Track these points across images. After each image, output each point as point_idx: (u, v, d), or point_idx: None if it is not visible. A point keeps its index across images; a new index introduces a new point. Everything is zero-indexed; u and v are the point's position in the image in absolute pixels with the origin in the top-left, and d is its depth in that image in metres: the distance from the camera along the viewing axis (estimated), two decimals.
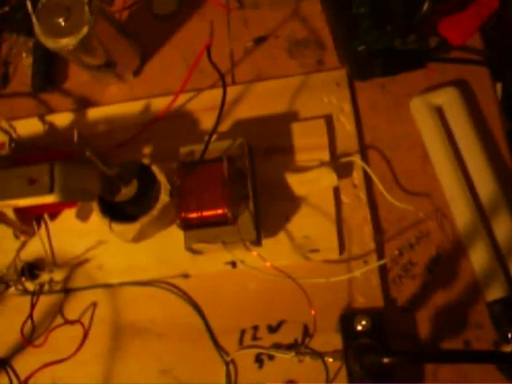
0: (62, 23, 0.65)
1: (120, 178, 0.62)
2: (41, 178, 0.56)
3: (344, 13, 0.65)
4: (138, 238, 0.64)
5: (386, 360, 0.45)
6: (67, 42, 0.64)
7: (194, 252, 0.62)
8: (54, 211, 0.69)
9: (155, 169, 0.63)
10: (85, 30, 0.64)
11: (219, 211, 0.59)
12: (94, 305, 0.68)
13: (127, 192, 0.62)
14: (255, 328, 0.64)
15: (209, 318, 0.65)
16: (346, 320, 0.61)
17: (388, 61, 0.66)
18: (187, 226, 0.61)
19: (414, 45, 0.66)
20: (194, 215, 0.60)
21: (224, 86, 0.60)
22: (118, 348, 0.66)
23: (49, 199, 0.56)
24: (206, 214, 0.60)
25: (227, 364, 0.63)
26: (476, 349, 0.59)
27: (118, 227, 0.63)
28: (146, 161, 0.64)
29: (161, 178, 0.63)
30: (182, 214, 0.60)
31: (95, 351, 0.66)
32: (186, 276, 0.66)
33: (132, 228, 0.62)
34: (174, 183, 0.61)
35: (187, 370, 0.64)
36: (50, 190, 0.56)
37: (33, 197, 0.56)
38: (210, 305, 0.65)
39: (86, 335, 0.66)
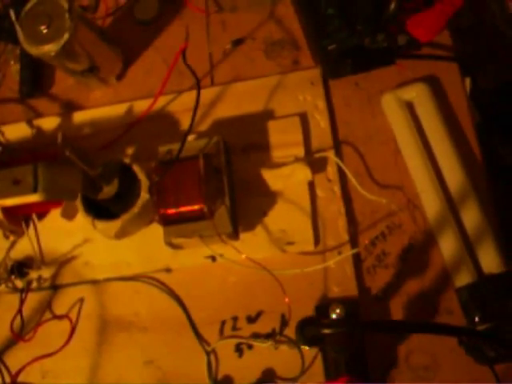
0: (44, 30, 0.68)
1: (102, 177, 0.65)
2: (25, 179, 0.59)
3: (313, 14, 0.67)
4: (121, 234, 0.67)
5: (326, 330, 0.47)
6: (49, 49, 0.67)
7: (174, 247, 0.64)
8: (41, 211, 0.72)
9: (136, 168, 0.66)
10: (66, 36, 0.67)
11: (196, 207, 0.62)
12: (81, 300, 0.70)
13: (109, 190, 0.65)
14: (235, 319, 0.66)
15: (191, 310, 0.67)
16: (321, 309, 0.64)
17: (358, 59, 0.68)
18: (166, 221, 0.63)
19: (384, 43, 0.68)
20: (172, 211, 0.62)
21: (198, 89, 0.63)
22: (104, 341, 0.68)
23: (33, 198, 0.58)
24: (183, 209, 0.62)
25: (208, 354, 0.65)
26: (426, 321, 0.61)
27: (101, 224, 0.65)
28: (127, 160, 0.67)
29: (141, 176, 0.66)
30: (161, 210, 0.63)
31: (82, 345, 0.69)
32: (168, 270, 0.69)
33: (114, 225, 0.65)
34: (152, 181, 0.64)
35: (170, 360, 0.66)
36: (34, 190, 0.58)
37: (18, 196, 0.59)
38: (191, 297, 0.68)
39: (73, 330, 0.69)
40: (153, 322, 0.68)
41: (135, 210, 0.65)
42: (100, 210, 0.67)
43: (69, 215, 0.71)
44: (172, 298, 0.68)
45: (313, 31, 0.68)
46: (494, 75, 0.90)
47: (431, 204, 0.65)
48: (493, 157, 0.95)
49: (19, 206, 0.60)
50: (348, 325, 0.49)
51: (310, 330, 0.47)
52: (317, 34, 0.67)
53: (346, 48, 0.67)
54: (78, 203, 0.66)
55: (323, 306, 0.64)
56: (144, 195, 0.65)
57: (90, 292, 0.70)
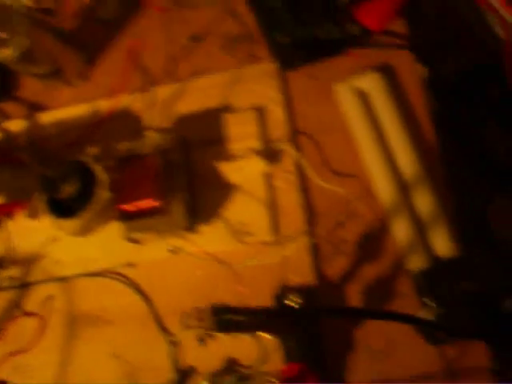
0: (3, 35, 0.69)
1: (62, 176, 0.66)
2: None
3: (264, 7, 0.68)
4: (83, 231, 0.68)
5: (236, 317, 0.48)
6: (8, 54, 0.69)
7: (134, 241, 0.66)
8: (7, 211, 0.73)
9: (95, 166, 0.68)
10: (24, 41, 0.68)
11: (152, 202, 0.63)
12: (51, 297, 0.72)
13: (69, 189, 0.66)
14: (198, 309, 0.67)
15: (155, 302, 0.69)
16: (280, 298, 0.65)
17: (310, 49, 0.69)
18: (124, 217, 0.65)
19: (335, 33, 0.69)
20: (129, 207, 0.64)
21: (148, 87, 0.64)
22: (74, 336, 0.70)
23: None
24: (140, 205, 0.64)
25: (172, 344, 0.67)
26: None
27: (63, 223, 0.67)
28: (87, 159, 0.69)
29: (100, 174, 0.67)
30: (119, 206, 0.64)
31: (53, 341, 0.71)
32: (132, 265, 0.70)
33: (76, 223, 0.67)
34: (111, 178, 0.65)
35: (136, 352, 0.68)
36: None
37: None
38: (155, 290, 0.70)
39: (43, 326, 0.71)
40: (119, 316, 0.70)
41: (96, 207, 0.66)
42: (63, 209, 0.68)
43: (34, 215, 0.72)
44: (136, 291, 0.69)
45: (264, 24, 0.69)
46: (457, 63, 0.90)
47: (385, 191, 0.66)
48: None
49: None
50: (259, 313, 0.50)
51: (222, 316, 0.48)
52: (268, 27, 0.69)
53: (298, 39, 0.68)
54: (41, 203, 0.67)
55: (282, 295, 0.65)
56: (104, 192, 0.66)
57: (59, 289, 0.72)
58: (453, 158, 0.78)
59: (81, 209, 0.67)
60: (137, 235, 0.65)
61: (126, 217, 0.65)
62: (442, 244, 0.63)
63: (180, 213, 0.64)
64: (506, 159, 1.04)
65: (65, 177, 0.66)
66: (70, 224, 0.67)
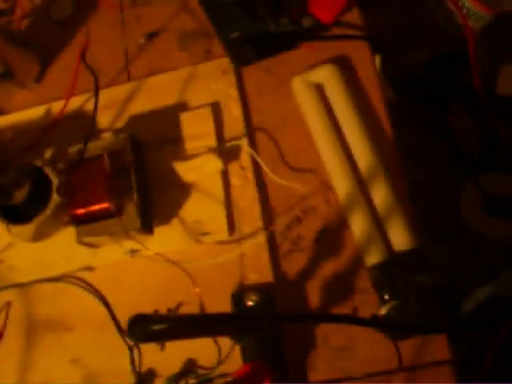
0: None
1: (13, 182, 0.65)
2: None
3: (213, 3, 0.67)
4: (37, 237, 0.67)
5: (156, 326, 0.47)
6: None
7: (89, 245, 0.65)
8: None
9: (47, 169, 0.66)
10: None
11: (104, 205, 0.62)
12: (8, 304, 0.71)
13: (20, 195, 0.65)
14: (156, 312, 0.66)
15: (113, 306, 0.68)
16: (238, 297, 0.64)
17: (263, 44, 0.68)
18: (76, 221, 0.64)
19: (288, 27, 0.68)
20: (81, 211, 0.63)
21: (97, 90, 0.63)
22: (32, 344, 0.69)
23: None
24: (92, 208, 0.63)
25: (131, 349, 0.66)
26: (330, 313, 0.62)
27: (16, 229, 0.66)
28: (38, 163, 0.67)
29: (53, 178, 0.66)
30: (71, 211, 0.63)
31: (9, 349, 0.69)
32: (90, 269, 0.69)
33: (29, 228, 0.65)
34: (60, 181, 0.64)
35: (96, 357, 0.67)
36: None
37: None
38: (113, 294, 0.69)
39: (1, 334, 0.70)
40: (79, 321, 0.69)
41: (48, 212, 0.65)
42: (17, 215, 0.67)
43: None
44: (95, 295, 0.68)
45: (215, 21, 0.68)
46: (419, 52, 0.89)
47: (342, 185, 0.65)
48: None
49: None
50: (170, 321, 0.49)
51: (141, 328, 0.47)
52: (218, 22, 0.67)
53: (250, 35, 0.67)
54: None
55: (239, 295, 0.64)
56: (55, 197, 0.65)
57: (16, 295, 0.71)
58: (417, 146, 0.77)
59: (33, 214, 0.66)
60: (90, 239, 0.63)
61: (78, 221, 0.63)
62: (399, 238, 0.62)
63: (132, 214, 0.63)
64: (476, 149, 1.04)
65: (16, 182, 0.65)
66: (23, 230, 0.66)
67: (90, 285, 0.70)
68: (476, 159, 1.03)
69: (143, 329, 0.44)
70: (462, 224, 1.00)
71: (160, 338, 0.48)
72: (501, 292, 0.97)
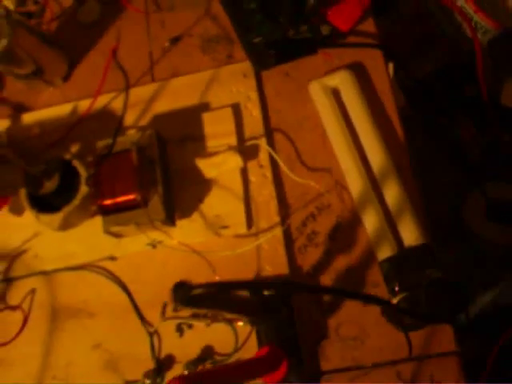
0: None
1: (44, 173, 0.69)
2: None
3: (237, 9, 0.71)
4: (64, 226, 0.71)
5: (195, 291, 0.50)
6: None
7: (114, 235, 0.68)
8: None
9: (75, 163, 0.70)
10: (4, 42, 0.70)
11: (131, 196, 0.66)
12: (33, 291, 0.74)
13: (50, 186, 0.68)
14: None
15: (134, 294, 0.71)
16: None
17: (283, 50, 0.72)
18: (103, 211, 0.67)
19: (307, 34, 0.72)
20: (108, 201, 0.66)
21: (127, 87, 0.66)
22: (55, 328, 0.72)
23: None
24: (119, 199, 0.66)
25: (151, 335, 0.69)
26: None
27: (45, 217, 0.69)
28: (68, 156, 0.71)
29: (81, 170, 0.70)
30: (98, 201, 0.66)
31: (35, 333, 0.72)
32: (112, 258, 0.72)
33: (57, 217, 0.69)
34: (89, 173, 0.68)
35: (117, 343, 0.70)
36: None
37: None
38: (135, 283, 0.72)
39: (26, 319, 0.73)
40: (100, 308, 0.72)
41: (76, 202, 0.68)
42: (45, 205, 0.70)
43: (17, 211, 0.74)
44: (117, 284, 0.72)
45: (237, 26, 0.72)
46: (430, 62, 0.93)
47: (355, 184, 0.69)
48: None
49: None
50: (215, 286, 0.53)
51: (184, 292, 0.51)
52: (241, 28, 0.71)
53: (271, 40, 0.71)
54: (23, 199, 0.69)
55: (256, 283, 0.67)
56: (84, 188, 0.68)
57: (41, 283, 0.74)
58: (424, 153, 0.81)
59: (62, 204, 0.70)
60: (116, 229, 0.67)
61: (106, 211, 0.67)
62: (409, 234, 0.65)
63: (157, 205, 0.66)
64: (481, 158, 1.07)
65: (46, 173, 0.69)
66: (51, 219, 0.69)
67: (111, 273, 0.73)
68: (479, 168, 1.07)
69: (185, 293, 0.48)
70: (466, 230, 1.03)
71: (198, 302, 0.51)
72: (500, 300, 1.00)
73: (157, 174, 0.68)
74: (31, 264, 0.74)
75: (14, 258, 0.75)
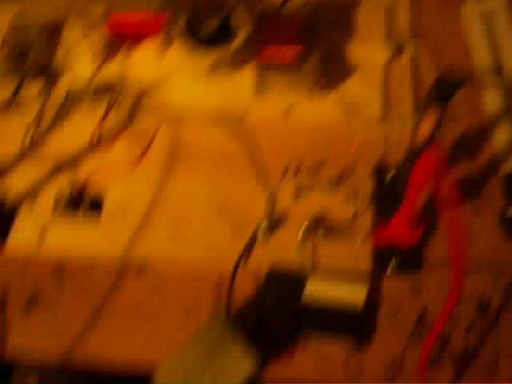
0: None
1: (204, 14, 0.70)
2: None
3: None
4: (211, 70, 0.72)
5: None
6: None
7: (261, 86, 0.71)
8: (141, 32, 0.77)
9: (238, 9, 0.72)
10: None
11: (291, 52, 0.68)
12: (157, 129, 0.76)
13: (210, 25, 0.70)
14: (297, 167, 0.72)
15: (258, 153, 0.73)
16: (379, 171, 0.71)
17: None
18: (261, 63, 0.69)
19: None
20: (267, 53, 0.69)
21: None
22: (173, 166, 0.74)
23: None
24: (277, 53, 0.69)
25: (269, 192, 0.71)
26: None
27: (196, 56, 0.71)
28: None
29: (242, 21, 0.71)
30: (258, 51, 0.69)
31: (152, 166, 0.74)
32: (243, 116, 0.75)
33: (210, 56, 0.71)
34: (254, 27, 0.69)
35: (232, 192, 0.72)
36: None
37: None
38: (262, 143, 0.74)
39: (145, 151, 0.74)
40: (222, 157, 0.74)
41: (235, 43, 0.70)
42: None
43: (162, 49, 0.76)
44: (243, 139, 0.74)
45: None
46: None
47: (491, 98, 0.72)
48: None
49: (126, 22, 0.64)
50: None
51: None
52: None
53: None
54: (179, 31, 0.71)
55: (381, 169, 0.70)
56: (240, 38, 0.70)
57: (166, 123, 0.76)
58: None
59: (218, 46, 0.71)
60: (267, 78, 0.69)
61: (263, 62, 0.69)
62: None
63: (312, 70, 0.69)
64: None
65: (208, 15, 0.70)
66: (204, 54, 0.71)
67: (240, 129, 0.74)
68: None
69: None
70: None
71: None
72: None
73: (315, 44, 0.70)
74: (160, 104, 0.76)
75: (144, 94, 0.77)
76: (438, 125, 0.63)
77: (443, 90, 0.52)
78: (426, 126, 0.57)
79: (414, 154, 0.61)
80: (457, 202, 0.57)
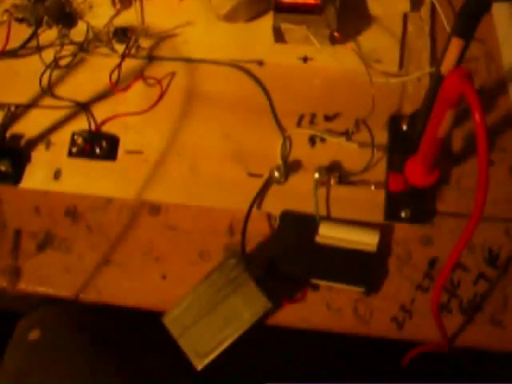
0: None
1: None
2: None
3: None
4: (231, 14, 0.73)
5: None
6: None
7: (278, 34, 0.71)
8: None
9: None
10: None
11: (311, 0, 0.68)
12: (173, 74, 0.76)
13: None
14: (313, 115, 0.73)
15: (274, 100, 0.74)
16: (394, 120, 0.71)
17: None
18: (279, 8, 0.69)
19: None
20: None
21: None
22: (188, 111, 0.74)
23: None
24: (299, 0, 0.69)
25: (284, 138, 0.72)
26: None
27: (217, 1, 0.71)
28: None
29: None
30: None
31: (167, 111, 0.75)
32: (260, 63, 0.75)
33: (229, 2, 0.71)
34: None
35: (247, 137, 0.72)
36: None
37: None
38: (276, 90, 0.74)
39: (162, 95, 0.75)
40: (236, 104, 0.74)
41: None
42: None
43: None
44: (259, 86, 0.74)
45: None
46: None
47: (508, 56, 0.73)
48: None
49: None
50: None
51: None
52: None
53: None
54: None
55: (396, 118, 0.71)
56: None
57: (183, 68, 0.76)
58: None
59: None
60: (285, 26, 0.69)
61: (282, 9, 0.69)
62: None
63: (332, 17, 0.69)
64: None
65: None
66: (223, 3, 0.71)
67: (256, 76, 0.75)
68: None
69: None
70: None
71: None
72: None
73: None
74: (177, 48, 0.77)
75: (161, 39, 0.77)
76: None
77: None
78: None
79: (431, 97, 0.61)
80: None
